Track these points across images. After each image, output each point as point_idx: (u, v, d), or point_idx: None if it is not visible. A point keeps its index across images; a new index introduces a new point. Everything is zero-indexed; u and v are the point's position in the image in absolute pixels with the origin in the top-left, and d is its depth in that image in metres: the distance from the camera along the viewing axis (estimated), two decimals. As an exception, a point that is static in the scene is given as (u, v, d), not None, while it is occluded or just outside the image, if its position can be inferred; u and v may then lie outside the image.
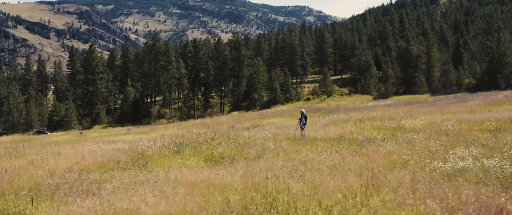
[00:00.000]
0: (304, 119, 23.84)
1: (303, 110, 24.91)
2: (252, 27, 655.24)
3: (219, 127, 74.96)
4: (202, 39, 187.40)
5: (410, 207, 8.70)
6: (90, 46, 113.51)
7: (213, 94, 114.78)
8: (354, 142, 19.28)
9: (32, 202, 9.29)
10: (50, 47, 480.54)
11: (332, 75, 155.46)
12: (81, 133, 71.31)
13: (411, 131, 23.75)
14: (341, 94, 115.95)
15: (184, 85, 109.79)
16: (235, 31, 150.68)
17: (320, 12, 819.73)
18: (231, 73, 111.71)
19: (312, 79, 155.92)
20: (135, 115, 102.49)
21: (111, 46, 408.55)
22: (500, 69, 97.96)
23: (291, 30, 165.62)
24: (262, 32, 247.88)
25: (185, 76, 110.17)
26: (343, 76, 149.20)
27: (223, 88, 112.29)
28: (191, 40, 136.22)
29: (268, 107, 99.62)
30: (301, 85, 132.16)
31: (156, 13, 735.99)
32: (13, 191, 11.79)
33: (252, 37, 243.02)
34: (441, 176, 11.88)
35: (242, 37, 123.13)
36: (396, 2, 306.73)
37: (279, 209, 8.91)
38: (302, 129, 23.81)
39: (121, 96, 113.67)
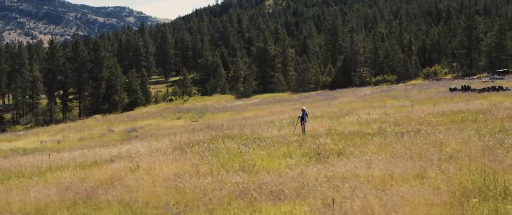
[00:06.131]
0: (306, 117, 24.99)
1: (304, 108, 26.06)
2: (71, 28, 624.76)
3: (94, 130, 72.94)
4: (18, 41, 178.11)
5: None
6: None
7: (72, 97, 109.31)
8: (385, 135, 20.30)
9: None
10: None
11: (175, 76, 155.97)
12: None
13: (394, 124, 25.69)
14: (192, 94, 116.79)
15: (39, 89, 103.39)
16: (54, 32, 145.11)
17: (141, 13, 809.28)
18: (89, 75, 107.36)
19: (155, 80, 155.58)
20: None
21: None
22: (353, 68, 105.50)
23: (135, 31, 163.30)
24: (83, 33, 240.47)
25: (39, 80, 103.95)
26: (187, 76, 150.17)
27: (82, 91, 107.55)
28: (46, 43, 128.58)
29: (131, 109, 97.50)
30: (147, 86, 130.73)
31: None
32: (218, 199, 11.25)
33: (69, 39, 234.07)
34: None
35: (61, 39, 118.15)
36: (222, 3, 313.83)
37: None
38: (303, 126, 24.86)
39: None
